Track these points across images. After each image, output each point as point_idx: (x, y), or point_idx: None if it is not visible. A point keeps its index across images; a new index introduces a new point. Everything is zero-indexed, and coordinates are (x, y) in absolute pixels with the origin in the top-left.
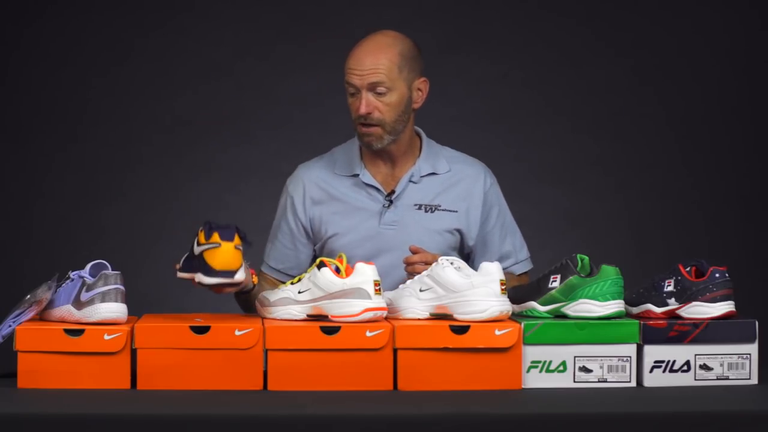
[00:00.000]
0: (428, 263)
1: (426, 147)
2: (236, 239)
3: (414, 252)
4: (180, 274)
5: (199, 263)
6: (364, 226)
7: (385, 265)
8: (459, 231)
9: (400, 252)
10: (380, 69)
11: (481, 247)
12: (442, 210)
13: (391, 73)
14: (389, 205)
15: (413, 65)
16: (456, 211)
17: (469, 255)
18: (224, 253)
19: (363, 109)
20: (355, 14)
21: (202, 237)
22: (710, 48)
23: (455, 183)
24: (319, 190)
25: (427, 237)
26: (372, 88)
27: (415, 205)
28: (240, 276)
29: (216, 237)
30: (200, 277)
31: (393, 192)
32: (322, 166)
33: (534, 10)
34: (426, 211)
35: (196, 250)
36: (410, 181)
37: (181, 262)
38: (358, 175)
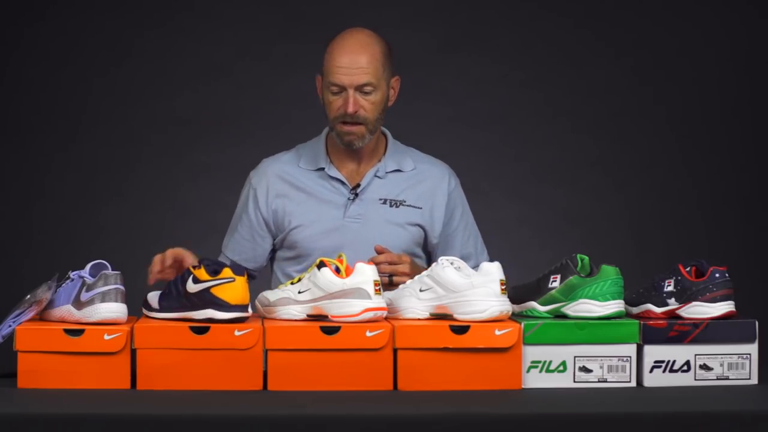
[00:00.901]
0: (393, 263)
1: (392, 145)
2: (245, 274)
3: (379, 252)
4: (161, 316)
5: (201, 300)
6: (327, 218)
7: (348, 258)
8: (423, 227)
9: (364, 245)
10: (368, 69)
11: (443, 246)
12: (407, 206)
13: (377, 72)
14: (354, 198)
15: (390, 64)
16: (420, 208)
17: (431, 254)
18: (239, 288)
19: (351, 108)
20: (355, 14)
21: (203, 274)
22: (710, 48)
23: (420, 181)
24: (283, 182)
25: (392, 231)
26: (359, 87)
27: (380, 199)
28: (251, 309)
29: (229, 272)
30: (212, 313)
31: (358, 185)
32: (286, 160)
33: (534, 10)
34: (391, 206)
35: (196, 287)
36: (376, 176)
37: (156, 302)
38: (323, 168)
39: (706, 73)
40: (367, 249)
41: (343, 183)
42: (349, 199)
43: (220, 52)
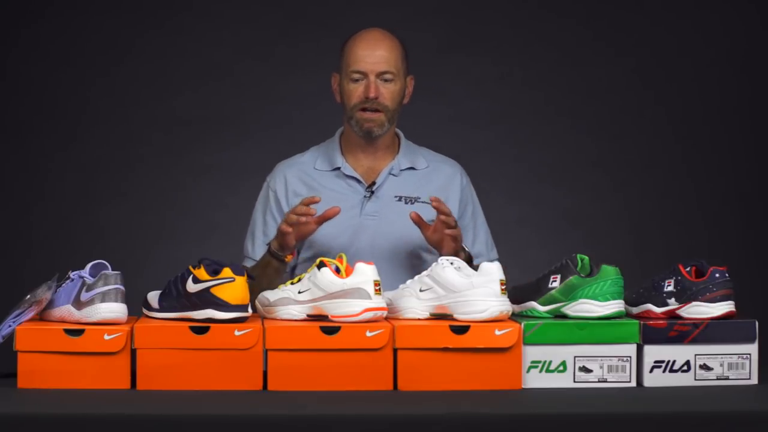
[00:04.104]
0: (450, 226)
1: (404, 145)
2: (246, 274)
3: (435, 202)
4: (161, 315)
5: (201, 299)
6: (345, 215)
7: (365, 255)
8: None
9: (380, 242)
10: (389, 58)
11: None
12: (422, 202)
13: (398, 63)
14: (370, 196)
15: (407, 61)
16: None
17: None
18: (239, 288)
19: (373, 92)
20: (355, 14)
21: (203, 274)
22: (710, 48)
23: (433, 178)
24: (301, 183)
25: (408, 228)
26: (380, 75)
27: (396, 196)
28: (251, 309)
29: (229, 272)
30: (212, 313)
31: (374, 183)
32: (302, 162)
33: (534, 10)
34: (406, 203)
35: (195, 287)
36: (390, 173)
37: (156, 302)
38: (339, 168)
39: (706, 73)
40: (384, 246)
41: (358, 181)
42: (365, 196)
43: (220, 52)
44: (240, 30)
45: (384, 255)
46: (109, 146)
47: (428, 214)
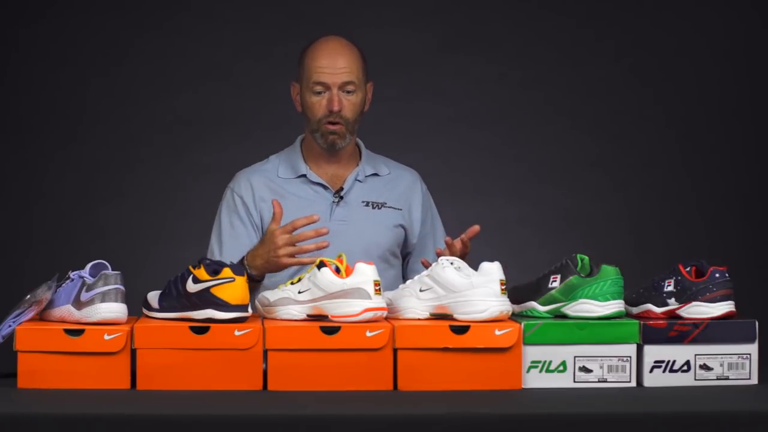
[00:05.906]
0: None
1: (365, 152)
2: (245, 274)
3: (448, 244)
4: (161, 315)
5: (201, 300)
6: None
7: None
8: (404, 228)
9: (350, 247)
10: (350, 69)
11: (419, 249)
12: (389, 207)
13: (359, 74)
14: (338, 202)
15: (366, 69)
16: (401, 209)
17: (405, 257)
18: (239, 288)
19: (336, 106)
20: (355, 14)
21: (203, 274)
22: (710, 48)
23: (397, 184)
24: (267, 189)
25: (377, 232)
26: (342, 87)
27: (363, 201)
28: (251, 309)
29: (229, 272)
30: (212, 313)
31: (341, 189)
32: (265, 170)
33: (534, 10)
34: (374, 208)
35: (195, 287)
36: (356, 179)
37: (156, 302)
38: (304, 175)
39: (706, 73)
40: (354, 251)
41: (325, 187)
42: (333, 202)
43: (220, 53)
44: (240, 30)
45: (355, 260)
46: (109, 146)
47: (395, 218)
